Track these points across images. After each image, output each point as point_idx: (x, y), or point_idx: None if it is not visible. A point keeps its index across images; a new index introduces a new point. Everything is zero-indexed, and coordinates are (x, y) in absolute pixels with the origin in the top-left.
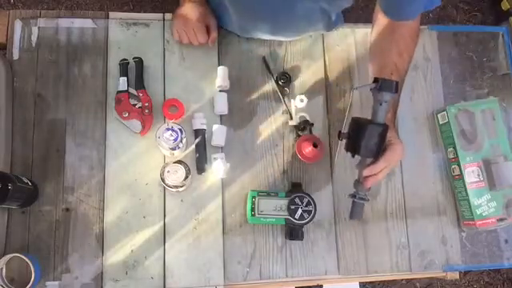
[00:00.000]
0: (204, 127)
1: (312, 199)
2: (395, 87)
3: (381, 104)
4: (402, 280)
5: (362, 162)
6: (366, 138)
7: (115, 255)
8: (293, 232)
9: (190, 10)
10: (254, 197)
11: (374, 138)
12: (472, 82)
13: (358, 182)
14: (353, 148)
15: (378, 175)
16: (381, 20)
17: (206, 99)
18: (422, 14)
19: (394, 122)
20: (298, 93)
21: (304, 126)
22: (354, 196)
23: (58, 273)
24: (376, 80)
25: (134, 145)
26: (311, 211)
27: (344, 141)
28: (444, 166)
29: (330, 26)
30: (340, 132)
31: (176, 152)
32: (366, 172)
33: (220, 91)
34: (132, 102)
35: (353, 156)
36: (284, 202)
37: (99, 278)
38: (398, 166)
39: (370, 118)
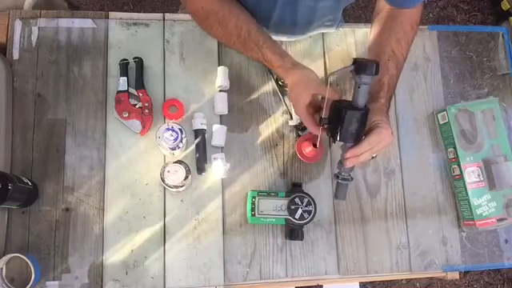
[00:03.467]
0: (204, 127)
1: (312, 199)
2: (375, 69)
3: (359, 87)
4: (402, 280)
5: (344, 144)
6: (346, 124)
7: (115, 255)
8: (293, 232)
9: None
10: (253, 197)
11: (354, 123)
12: (472, 82)
13: (341, 163)
14: (333, 133)
15: (360, 157)
16: (382, 8)
17: (205, 99)
18: (422, 12)
19: (387, 107)
20: None
21: (304, 126)
22: (337, 176)
23: (58, 273)
24: (354, 61)
25: (134, 145)
26: (311, 211)
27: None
28: (444, 166)
29: (338, 22)
30: (321, 117)
31: (176, 152)
32: (347, 154)
33: (220, 91)
34: (132, 102)
35: (334, 142)
36: (284, 202)
37: (99, 278)
38: (397, 166)
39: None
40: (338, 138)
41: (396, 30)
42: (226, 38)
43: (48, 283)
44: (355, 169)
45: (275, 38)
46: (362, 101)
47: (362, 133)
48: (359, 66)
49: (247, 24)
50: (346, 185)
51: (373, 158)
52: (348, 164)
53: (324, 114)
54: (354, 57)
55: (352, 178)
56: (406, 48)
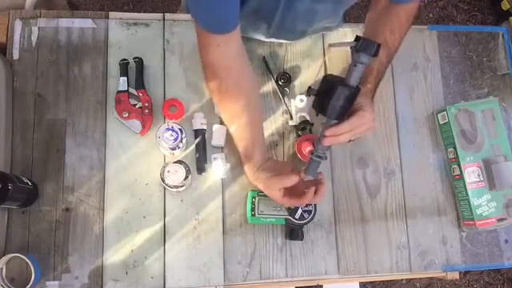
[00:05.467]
0: (204, 127)
1: None
2: (375, 50)
3: (355, 65)
4: (402, 280)
5: (327, 122)
6: (334, 99)
7: (115, 255)
8: (293, 232)
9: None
10: (253, 197)
11: (341, 99)
12: (472, 82)
13: (319, 140)
14: (318, 106)
15: (339, 137)
16: (378, 1)
17: (205, 99)
18: (422, 14)
19: (373, 93)
20: (298, 93)
21: (304, 126)
22: (312, 153)
23: (58, 273)
24: (357, 38)
25: (134, 145)
26: (311, 211)
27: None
28: (444, 165)
29: (339, 23)
30: (310, 87)
31: (176, 152)
32: (327, 132)
33: None
34: (132, 102)
35: (316, 114)
36: None
37: (99, 278)
38: (397, 166)
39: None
40: (324, 113)
41: (391, 19)
42: (227, 121)
43: (48, 283)
44: (355, 169)
45: (276, 41)
46: (354, 80)
47: (346, 112)
48: (360, 44)
49: (253, 132)
50: (318, 162)
51: (350, 141)
52: (326, 142)
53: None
54: (357, 35)
55: (326, 157)
56: (399, 39)
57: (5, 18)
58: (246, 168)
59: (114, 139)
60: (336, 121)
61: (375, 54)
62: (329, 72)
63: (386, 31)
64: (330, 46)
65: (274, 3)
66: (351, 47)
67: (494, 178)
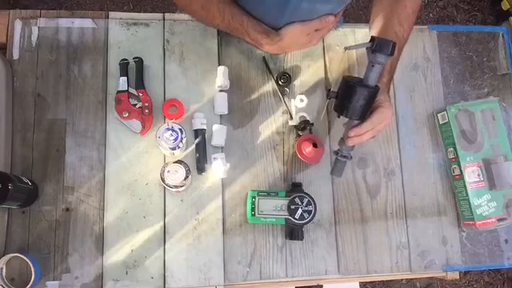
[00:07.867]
0: (204, 127)
1: (312, 199)
2: (391, 49)
3: (373, 65)
4: (402, 280)
5: (349, 122)
6: (354, 100)
7: (115, 255)
8: (293, 232)
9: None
10: (253, 197)
11: (362, 100)
12: (472, 82)
13: (343, 141)
14: (340, 108)
15: (363, 136)
16: None
17: (206, 99)
18: (422, 14)
19: (388, 87)
20: (298, 93)
21: (304, 126)
22: (336, 153)
23: (58, 273)
24: (372, 39)
25: (134, 145)
26: (311, 211)
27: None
28: (444, 165)
29: (339, 23)
30: (329, 90)
31: (176, 152)
32: (351, 133)
33: (220, 91)
34: (132, 101)
35: (338, 116)
36: (284, 202)
37: (99, 278)
38: (397, 166)
39: (362, 77)
40: (345, 114)
41: (398, 11)
42: (211, 21)
43: (48, 283)
44: (356, 169)
45: None
46: (373, 79)
47: (367, 111)
48: (376, 44)
49: (229, 6)
50: (344, 162)
51: (372, 137)
52: (350, 143)
53: (333, 87)
54: (372, 36)
55: (351, 157)
56: (408, 31)
57: (5, 18)
58: (243, 34)
59: (114, 139)
60: (358, 121)
61: (391, 53)
62: (328, 72)
63: (394, 24)
64: (346, 48)
65: (276, 13)
66: (367, 48)
67: (494, 177)
